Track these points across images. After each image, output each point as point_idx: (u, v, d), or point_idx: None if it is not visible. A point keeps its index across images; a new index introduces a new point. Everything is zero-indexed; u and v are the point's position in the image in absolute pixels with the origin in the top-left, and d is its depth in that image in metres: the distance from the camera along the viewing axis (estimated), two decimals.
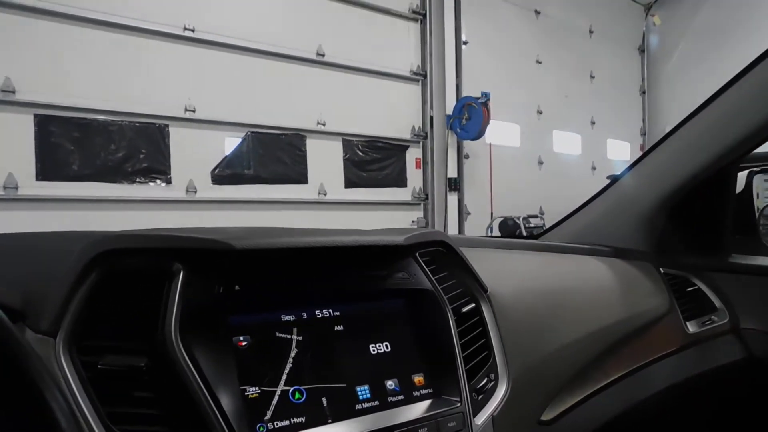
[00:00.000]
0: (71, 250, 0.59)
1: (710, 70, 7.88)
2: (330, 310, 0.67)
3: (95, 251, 0.58)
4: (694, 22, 8.97)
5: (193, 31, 4.86)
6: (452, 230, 6.63)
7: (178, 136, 4.83)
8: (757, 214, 1.51)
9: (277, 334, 0.62)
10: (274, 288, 0.65)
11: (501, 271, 1.00)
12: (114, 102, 4.48)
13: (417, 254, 0.78)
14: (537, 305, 0.96)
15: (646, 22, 9.73)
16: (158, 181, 4.74)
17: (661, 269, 1.32)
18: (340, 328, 0.67)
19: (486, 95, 6.35)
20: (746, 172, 1.37)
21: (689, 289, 1.33)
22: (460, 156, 6.81)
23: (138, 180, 4.63)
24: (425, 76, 6.54)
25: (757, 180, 1.46)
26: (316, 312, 0.66)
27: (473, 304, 0.82)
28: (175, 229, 0.65)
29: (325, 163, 5.73)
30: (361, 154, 5.99)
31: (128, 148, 4.58)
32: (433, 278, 0.77)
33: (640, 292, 1.22)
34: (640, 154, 7.97)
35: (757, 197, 1.54)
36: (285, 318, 0.64)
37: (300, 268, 0.67)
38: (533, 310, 0.95)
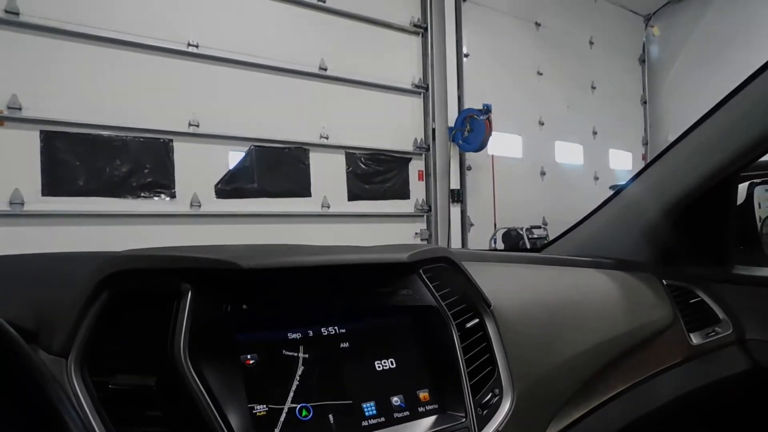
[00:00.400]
0: (82, 272, 0.60)
1: (710, 80, 7.92)
2: (336, 328, 0.68)
3: (104, 273, 0.59)
4: (693, 32, 9.01)
5: (196, 46, 4.91)
6: (455, 242, 6.63)
7: (182, 151, 4.86)
8: (759, 225, 1.51)
9: (284, 351, 0.63)
10: (280, 306, 0.66)
11: (504, 286, 1.01)
12: (119, 117, 4.52)
13: (421, 271, 0.79)
14: (541, 319, 0.97)
15: (645, 33, 9.78)
16: (163, 196, 4.76)
17: (664, 281, 1.32)
18: (346, 345, 0.68)
19: (488, 107, 6.38)
20: (747, 183, 1.38)
21: (692, 300, 1.34)
22: (463, 168, 6.82)
23: (143, 195, 4.66)
24: (427, 89, 6.57)
25: (759, 191, 1.47)
26: (322, 329, 0.67)
27: (477, 320, 0.82)
28: (182, 248, 0.66)
29: (328, 176, 5.75)
30: (363, 166, 6.02)
31: (133, 163, 4.62)
32: (437, 294, 0.78)
33: (643, 304, 1.23)
34: (642, 163, 8.00)
35: (759, 207, 1.55)
36: (291, 336, 0.65)
37: (306, 286, 0.68)
38: (537, 324, 0.95)
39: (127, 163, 4.59)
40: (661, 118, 9.69)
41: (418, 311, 0.75)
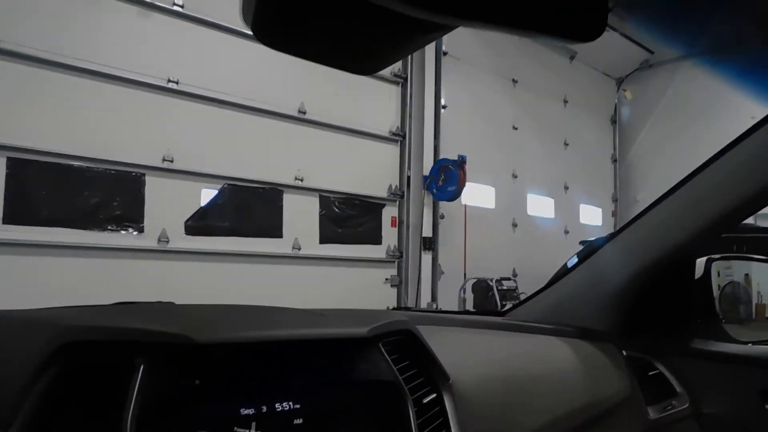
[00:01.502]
0: (31, 339, 0.58)
1: (677, 143, 8.27)
2: (290, 403, 0.67)
3: (54, 345, 0.57)
4: (662, 97, 9.41)
5: (177, 83, 4.92)
6: (425, 289, 6.63)
7: (154, 186, 4.81)
8: (717, 295, 1.55)
9: (235, 428, 0.62)
10: (234, 380, 0.64)
11: (465, 356, 1.01)
12: (91, 149, 4.46)
13: (381, 344, 0.78)
14: (500, 393, 0.97)
15: (617, 95, 10.17)
16: (130, 230, 4.68)
17: (624, 351, 1.34)
18: (299, 421, 0.67)
19: (463, 158, 6.50)
20: (705, 258, 1.42)
21: (651, 372, 1.35)
22: (436, 216, 6.88)
23: (109, 228, 4.57)
24: (404, 137, 6.68)
25: (716, 266, 1.51)
26: (276, 405, 0.66)
27: (435, 394, 0.82)
28: (140, 310, 0.65)
29: (301, 218, 5.74)
30: (337, 210, 6.03)
31: (102, 195, 4.54)
32: (395, 368, 0.77)
33: (603, 377, 1.23)
34: (611, 219, 8.10)
35: (719, 275, 1.58)
36: (244, 412, 0.63)
37: (262, 359, 0.67)
38: (496, 398, 0.95)
39: (97, 194, 4.51)
40: (631, 177, 10.00)
41: (376, 386, 0.75)
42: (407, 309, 2.71)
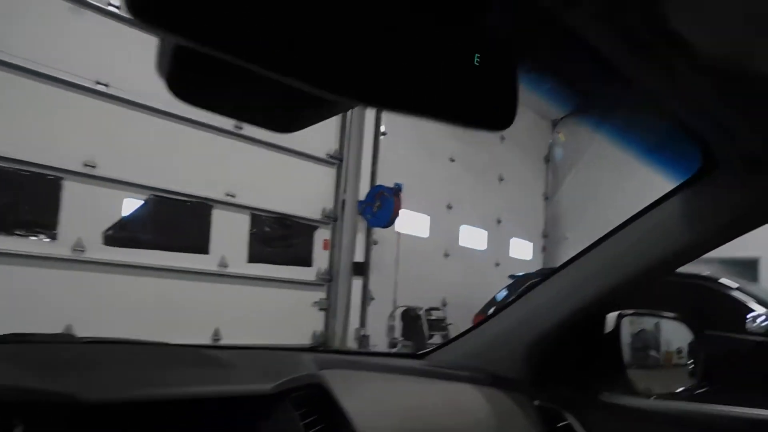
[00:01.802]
0: None
1: (603, 186, 8.66)
2: None
3: None
4: (593, 142, 9.85)
5: (106, 86, 4.70)
6: (354, 314, 6.57)
7: (72, 191, 4.54)
8: (626, 351, 1.57)
9: None
10: None
11: (377, 406, 0.98)
12: (1, 145, 4.15)
13: (289, 397, 0.74)
14: None
15: (552, 136, 10.59)
16: (41, 236, 4.38)
17: (536, 401, 1.33)
18: None
19: (399, 186, 6.54)
20: (616, 313, 1.45)
21: (560, 424, 1.35)
22: (369, 242, 6.87)
23: (17, 232, 4.25)
24: (341, 161, 6.66)
25: (626, 321, 1.53)
26: None
27: None
28: (25, 357, 0.57)
29: (229, 234, 5.58)
30: (268, 229, 5.91)
31: (11, 196, 4.24)
32: (301, 424, 0.73)
33: (513, 427, 1.23)
34: (541, 254, 8.31)
35: (631, 324, 1.62)
36: None
37: (157, 417, 0.60)
38: None
39: (5, 196, 4.20)
40: (560, 215, 10.39)
41: None
42: (324, 350, 2.67)
